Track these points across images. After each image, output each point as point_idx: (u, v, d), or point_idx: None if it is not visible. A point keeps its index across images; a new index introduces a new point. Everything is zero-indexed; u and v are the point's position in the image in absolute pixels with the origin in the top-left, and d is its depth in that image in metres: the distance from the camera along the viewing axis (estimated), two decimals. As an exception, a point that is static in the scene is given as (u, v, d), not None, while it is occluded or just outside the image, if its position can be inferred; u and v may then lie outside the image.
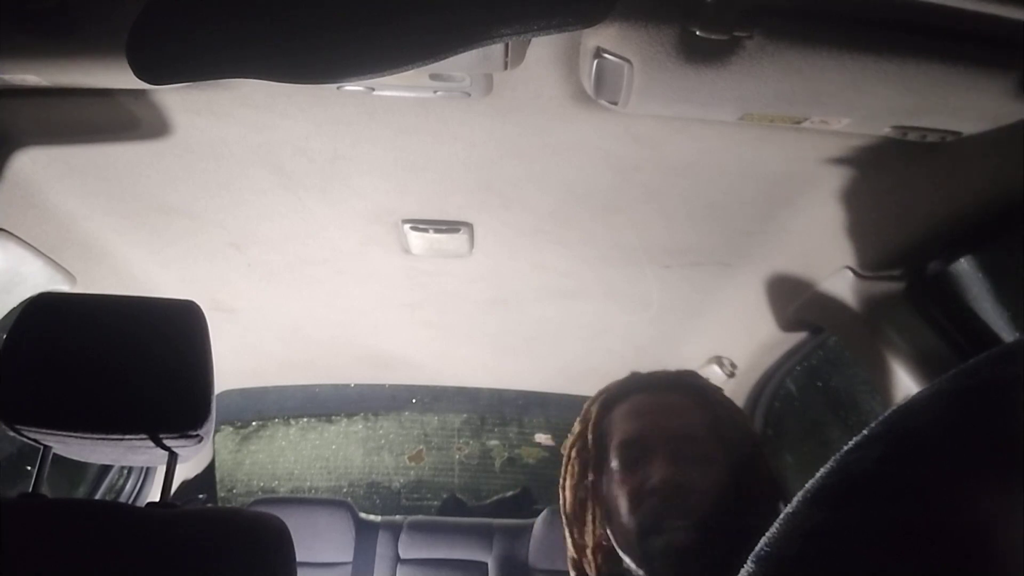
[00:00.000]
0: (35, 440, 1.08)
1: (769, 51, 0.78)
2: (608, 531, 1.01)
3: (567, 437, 1.12)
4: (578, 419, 1.12)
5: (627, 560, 0.98)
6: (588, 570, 1.03)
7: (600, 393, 1.12)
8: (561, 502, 1.07)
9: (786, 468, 2.08)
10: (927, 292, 1.21)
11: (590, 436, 1.06)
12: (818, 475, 0.33)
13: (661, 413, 1.03)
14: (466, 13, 0.58)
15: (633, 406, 1.06)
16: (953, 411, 0.31)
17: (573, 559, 1.05)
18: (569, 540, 1.05)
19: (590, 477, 1.04)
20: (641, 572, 0.96)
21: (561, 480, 1.08)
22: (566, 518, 1.06)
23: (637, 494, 0.96)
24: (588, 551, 1.02)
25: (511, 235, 1.48)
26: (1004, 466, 0.28)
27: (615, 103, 0.92)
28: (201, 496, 2.36)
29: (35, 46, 0.86)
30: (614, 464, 1.01)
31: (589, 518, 1.03)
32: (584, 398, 1.13)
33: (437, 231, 1.45)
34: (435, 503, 3.22)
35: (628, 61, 0.82)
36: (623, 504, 0.97)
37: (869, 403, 1.84)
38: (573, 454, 1.08)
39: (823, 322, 1.45)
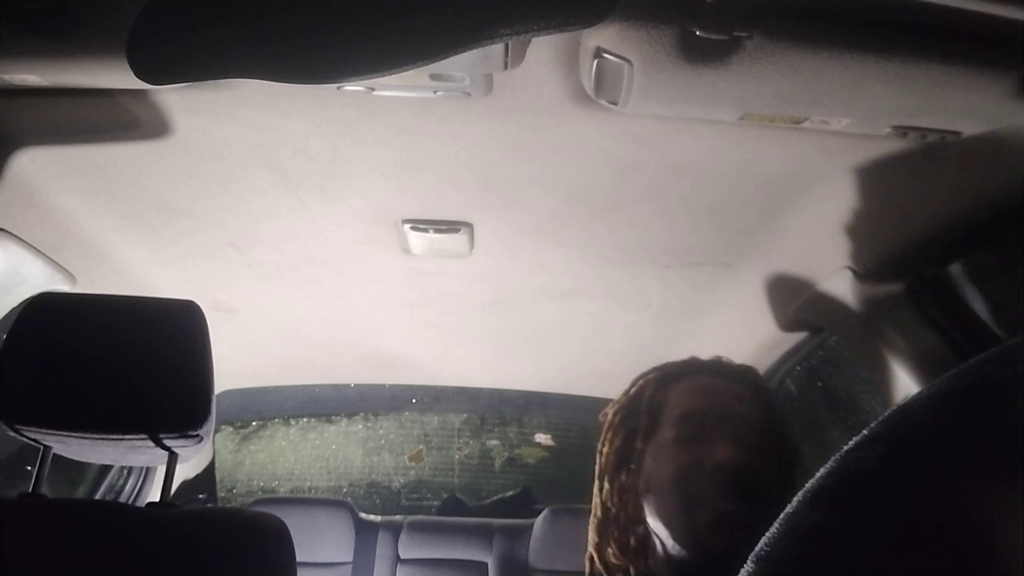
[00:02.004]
0: (35, 440, 1.08)
1: (769, 51, 0.78)
2: (648, 502, 0.99)
3: (610, 405, 1.10)
4: (623, 393, 1.10)
5: (663, 536, 0.96)
6: (610, 540, 1.01)
7: (656, 368, 1.11)
8: (599, 466, 1.06)
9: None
10: (927, 292, 1.21)
11: (644, 406, 1.05)
12: (818, 475, 0.33)
13: (724, 395, 1.02)
14: (466, 13, 0.58)
15: (695, 384, 1.05)
16: (953, 411, 0.31)
17: (599, 520, 1.03)
18: (600, 507, 1.03)
19: (638, 444, 1.02)
20: (679, 547, 0.94)
21: (600, 446, 1.07)
22: (600, 484, 1.04)
23: (695, 468, 0.94)
24: (619, 521, 1.01)
25: (511, 235, 1.48)
26: (1004, 466, 0.28)
27: (615, 103, 0.92)
28: (201, 496, 2.36)
29: (35, 46, 0.86)
30: (670, 434, 0.99)
31: (630, 487, 1.01)
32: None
33: (437, 231, 1.45)
34: (435, 503, 3.21)
35: (628, 61, 0.82)
36: (673, 475, 0.96)
37: (869, 403, 1.84)
38: (617, 420, 1.06)
39: (823, 322, 1.45)
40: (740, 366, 1.13)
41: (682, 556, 0.94)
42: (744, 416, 0.99)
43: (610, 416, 1.09)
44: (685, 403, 1.02)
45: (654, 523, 0.97)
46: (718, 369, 1.10)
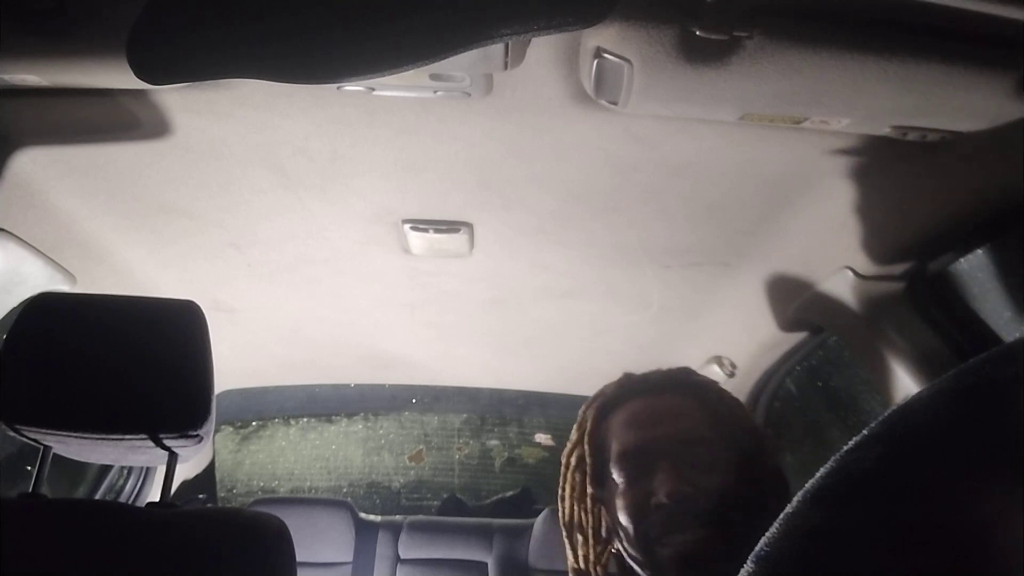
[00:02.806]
0: (35, 440, 1.08)
1: (769, 51, 0.78)
2: (614, 537, 1.00)
3: (566, 444, 1.09)
4: (575, 426, 1.09)
5: (635, 565, 0.97)
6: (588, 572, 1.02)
7: (594, 398, 1.08)
8: (560, 513, 1.05)
9: (786, 468, 2.08)
10: (927, 292, 1.21)
11: (587, 447, 1.03)
12: (818, 475, 0.33)
13: (660, 419, 0.98)
14: (466, 13, 0.58)
15: (630, 413, 1.01)
16: (953, 411, 0.31)
17: (575, 569, 1.03)
18: (569, 551, 1.03)
19: (589, 490, 1.02)
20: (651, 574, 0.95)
21: (560, 491, 1.06)
22: (566, 529, 1.03)
23: (641, 507, 0.93)
24: (591, 561, 1.01)
25: (511, 235, 1.48)
26: (1004, 466, 0.28)
27: (615, 103, 0.92)
28: (201, 496, 2.36)
29: (35, 46, 0.86)
30: (616, 477, 0.98)
31: (591, 531, 1.01)
32: (584, 398, 1.12)
33: (437, 231, 1.45)
34: (435, 503, 3.21)
35: (628, 61, 0.82)
36: (628, 517, 0.95)
37: (869, 403, 1.84)
38: (572, 462, 1.05)
39: (823, 322, 1.45)
40: (674, 373, 1.07)
41: None
42: (684, 435, 0.95)
43: (564, 459, 1.07)
44: (623, 439, 0.99)
45: (630, 561, 0.98)
46: (652, 386, 1.04)
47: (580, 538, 1.02)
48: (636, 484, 0.95)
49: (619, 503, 0.96)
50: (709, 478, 0.91)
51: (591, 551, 1.01)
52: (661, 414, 0.99)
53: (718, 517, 0.88)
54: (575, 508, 1.03)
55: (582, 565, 1.02)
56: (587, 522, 1.02)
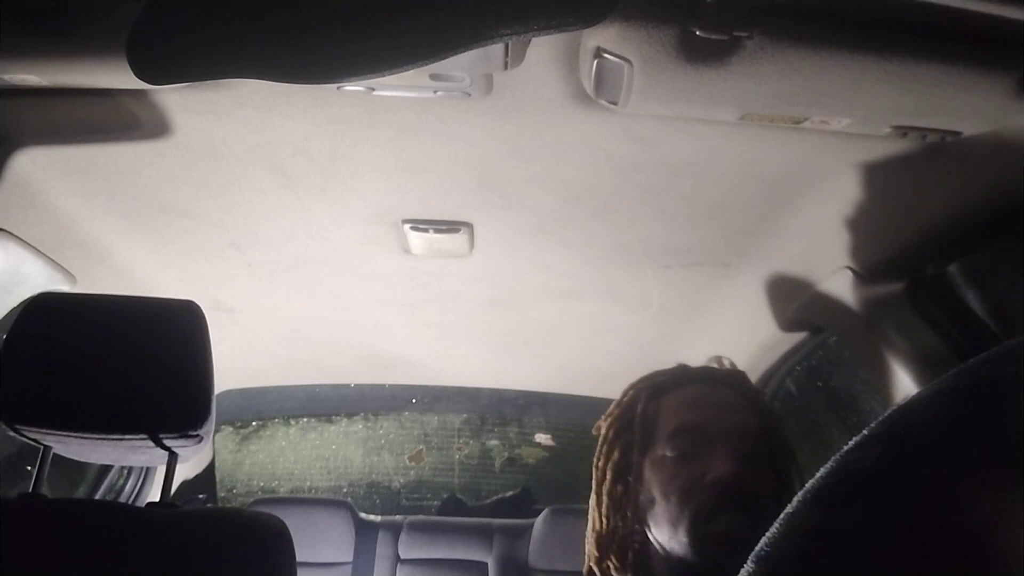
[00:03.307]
0: (35, 440, 1.08)
1: (769, 51, 0.78)
2: (647, 515, 0.99)
3: (606, 418, 1.09)
4: (616, 403, 1.10)
5: (666, 546, 0.96)
6: (610, 553, 1.01)
7: (646, 378, 1.10)
8: (596, 480, 1.05)
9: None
10: (927, 292, 1.21)
11: (637, 419, 1.04)
12: (818, 475, 0.33)
13: (718, 407, 1.02)
14: (466, 13, 0.58)
15: (689, 395, 1.04)
16: (953, 411, 0.31)
17: (597, 533, 1.02)
18: (597, 521, 1.03)
19: (634, 458, 1.02)
20: (683, 557, 0.94)
21: (596, 459, 1.07)
22: (598, 498, 1.04)
23: (694, 484, 0.95)
24: (618, 533, 1.01)
25: (511, 235, 1.48)
26: (1004, 466, 0.28)
27: (615, 103, 0.92)
28: (201, 496, 2.36)
29: (35, 46, 0.86)
30: (667, 451, 0.99)
31: (628, 500, 1.01)
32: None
33: (437, 231, 1.45)
34: (435, 503, 3.21)
35: (628, 61, 0.82)
36: (675, 492, 0.96)
37: (869, 403, 1.84)
38: (611, 435, 1.06)
39: (823, 322, 1.45)
40: (729, 372, 1.14)
41: (687, 564, 0.94)
42: (738, 426, 0.99)
43: (603, 430, 1.09)
44: (679, 417, 1.01)
45: (658, 534, 0.98)
46: (708, 377, 1.10)
47: (613, 507, 1.02)
48: (692, 461, 0.97)
49: (667, 477, 0.97)
50: (755, 473, 0.95)
51: (620, 520, 1.01)
52: (718, 403, 1.03)
53: (758, 507, 0.91)
54: (615, 477, 1.03)
55: (602, 535, 1.01)
56: (626, 491, 1.02)
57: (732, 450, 0.96)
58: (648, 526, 0.99)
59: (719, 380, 1.09)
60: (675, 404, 1.04)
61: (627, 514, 1.01)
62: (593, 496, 1.05)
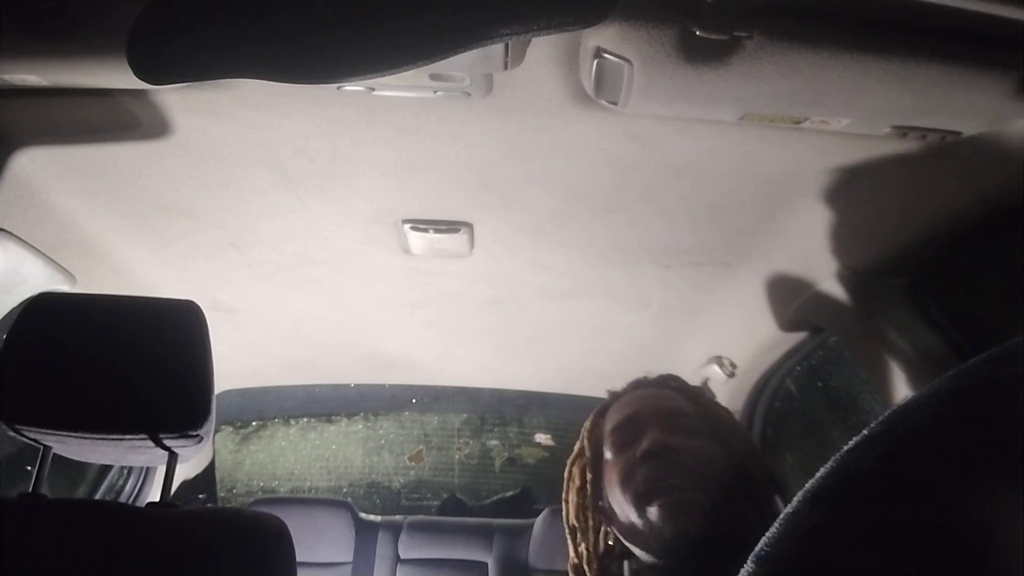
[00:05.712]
0: (35, 440, 1.08)
1: (769, 51, 0.78)
2: (614, 528, 1.01)
3: (571, 443, 1.15)
4: (578, 440, 1.16)
5: (638, 552, 0.97)
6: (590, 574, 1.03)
7: (593, 412, 1.18)
8: (564, 515, 1.09)
9: (786, 468, 2.08)
10: (927, 292, 1.21)
11: (586, 443, 1.11)
12: (818, 475, 0.33)
13: (648, 398, 1.09)
14: (466, 13, 0.58)
15: (623, 402, 1.12)
16: (952, 411, 0.31)
17: (575, 564, 1.04)
18: (572, 549, 1.06)
19: (588, 477, 1.06)
20: (653, 561, 0.95)
21: (563, 495, 1.11)
22: (568, 529, 1.07)
23: (631, 467, 0.98)
24: (590, 558, 1.02)
25: (511, 235, 1.48)
26: (1003, 466, 0.28)
27: (615, 103, 0.92)
28: (201, 496, 2.36)
29: (35, 46, 0.86)
30: (608, 454, 1.05)
31: (591, 524, 1.04)
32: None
33: (437, 231, 1.45)
34: (435, 503, 3.22)
35: (628, 61, 0.82)
36: (619, 481, 0.98)
37: (869, 403, 1.84)
38: (574, 470, 1.11)
39: (823, 322, 1.45)
40: (662, 375, 1.20)
41: (655, 565, 0.95)
42: (669, 408, 1.05)
43: (568, 468, 1.13)
44: (614, 420, 1.08)
45: (627, 544, 0.99)
46: (641, 383, 1.18)
47: (581, 533, 1.05)
48: (626, 449, 1.02)
49: (611, 474, 1.01)
50: (691, 440, 0.99)
51: (591, 544, 1.03)
52: (649, 395, 1.11)
53: (701, 479, 0.93)
54: (577, 504, 1.07)
55: (580, 562, 1.04)
56: (588, 515, 1.05)
57: (662, 426, 1.01)
58: (622, 539, 1.00)
59: (652, 383, 1.17)
60: (613, 413, 1.11)
61: (600, 539, 1.03)
62: (566, 532, 1.08)
